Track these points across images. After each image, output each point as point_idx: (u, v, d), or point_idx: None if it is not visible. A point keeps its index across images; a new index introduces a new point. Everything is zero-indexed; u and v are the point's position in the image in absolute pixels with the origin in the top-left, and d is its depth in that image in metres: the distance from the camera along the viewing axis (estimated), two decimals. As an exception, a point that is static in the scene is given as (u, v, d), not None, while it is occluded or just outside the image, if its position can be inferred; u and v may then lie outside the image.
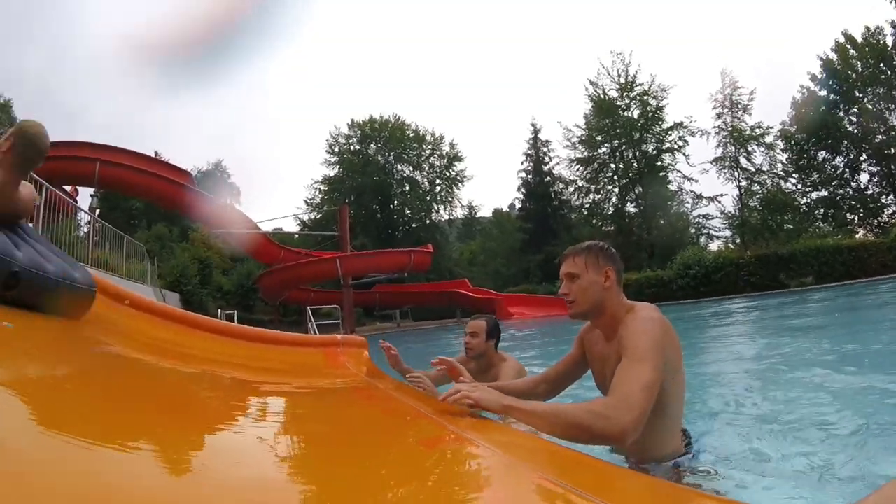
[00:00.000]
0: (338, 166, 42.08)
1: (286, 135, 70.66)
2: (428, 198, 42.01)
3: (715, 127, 33.40)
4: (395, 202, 42.10)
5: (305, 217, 40.64)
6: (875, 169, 31.70)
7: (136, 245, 17.66)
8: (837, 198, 32.23)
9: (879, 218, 31.55)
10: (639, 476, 1.70)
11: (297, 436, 1.79)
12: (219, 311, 19.47)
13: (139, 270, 16.54)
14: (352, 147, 42.56)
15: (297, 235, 37.26)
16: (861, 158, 31.95)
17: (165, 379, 2.31)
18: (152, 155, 28.07)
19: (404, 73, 73.29)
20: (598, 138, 35.74)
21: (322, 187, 42.04)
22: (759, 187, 33.11)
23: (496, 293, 28.75)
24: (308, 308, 20.30)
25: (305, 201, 42.24)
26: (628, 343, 2.05)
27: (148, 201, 26.57)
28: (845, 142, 31.87)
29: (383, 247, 32.44)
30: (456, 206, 43.60)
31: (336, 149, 42.25)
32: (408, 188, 42.39)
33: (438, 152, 42.68)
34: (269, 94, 73.58)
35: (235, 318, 17.75)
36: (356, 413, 2.23)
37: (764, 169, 33.10)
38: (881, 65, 30.58)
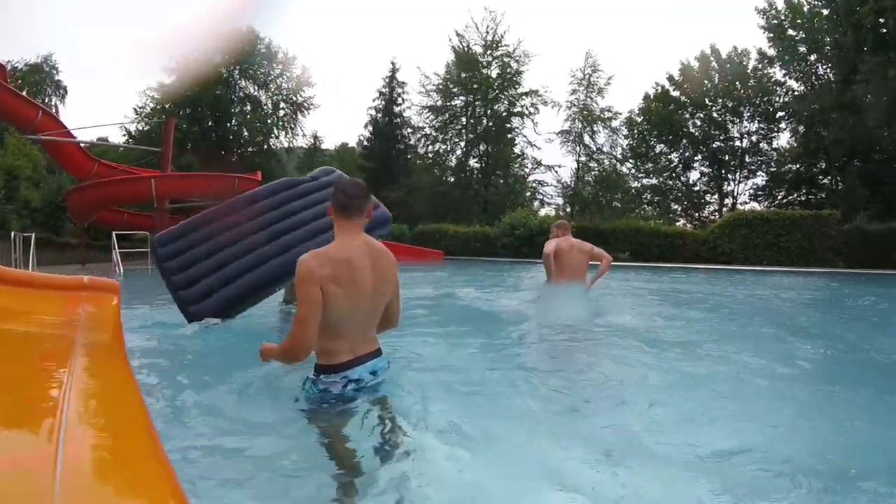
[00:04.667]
0: (176, 74, 35.25)
1: (127, 25, 58.80)
2: (269, 121, 37.78)
3: (567, 101, 33.85)
4: (233, 121, 37.06)
5: (133, 128, 35.38)
6: (707, 170, 33.59)
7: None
8: (665, 188, 34.06)
9: (701, 212, 33.83)
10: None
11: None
12: (12, 234, 15.98)
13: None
14: (195, 54, 35.19)
15: (121, 149, 32.50)
16: (695, 158, 33.57)
17: None
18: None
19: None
20: (455, 90, 34.96)
21: (155, 95, 36.04)
22: (596, 165, 34.09)
23: None
24: (113, 233, 17.64)
25: (135, 109, 36.39)
26: None
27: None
28: (685, 141, 33.30)
29: (214, 169, 28.65)
30: (298, 135, 39.84)
31: (178, 53, 35.47)
32: (249, 108, 37.58)
33: (288, 74, 38.44)
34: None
35: (33, 242, 14.84)
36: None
37: (604, 149, 34.10)
38: (737, 83, 32.21)
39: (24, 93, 32.64)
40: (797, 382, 4.50)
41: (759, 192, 32.33)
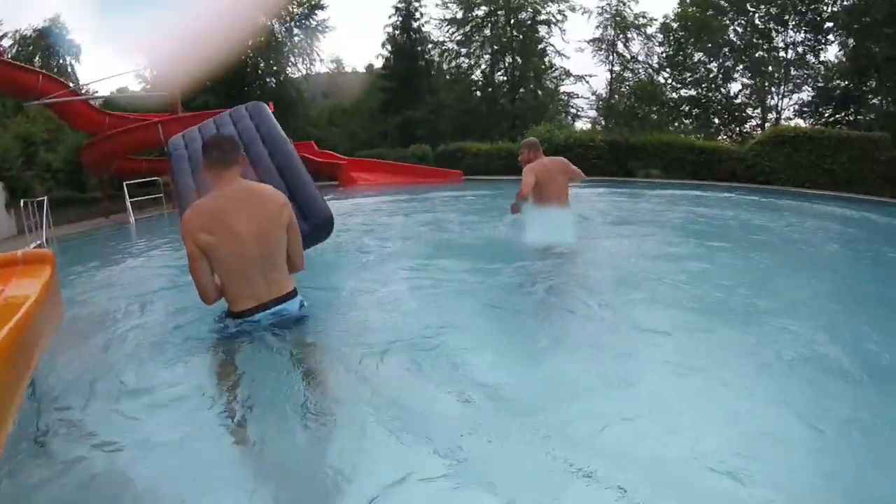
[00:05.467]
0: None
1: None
2: (285, 49, 35.14)
3: (598, 7, 31.62)
4: (249, 53, 33.80)
5: (148, 73, 33.32)
6: (749, 81, 31.11)
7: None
8: (704, 100, 31.56)
9: (742, 127, 31.43)
10: None
11: None
12: (21, 202, 15.36)
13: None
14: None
15: (145, 93, 30.83)
16: (736, 68, 31.13)
17: None
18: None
19: None
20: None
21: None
22: (631, 75, 32.14)
23: (341, 157, 25.04)
24: (125, 184, 17.52)
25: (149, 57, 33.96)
26: None
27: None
28: (725, 49, 30.73)
29: (233, 105, 27.11)
30: (315, 61, 37.42)
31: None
32: (262, 38, 34.12)
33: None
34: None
35: (46, 206, 14.18)
36: None
37: (639, 58, 32.10)
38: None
39: (36, 58, 34.76)
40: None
41: (805, 109, 29.74)
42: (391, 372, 3.07)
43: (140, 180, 19.14)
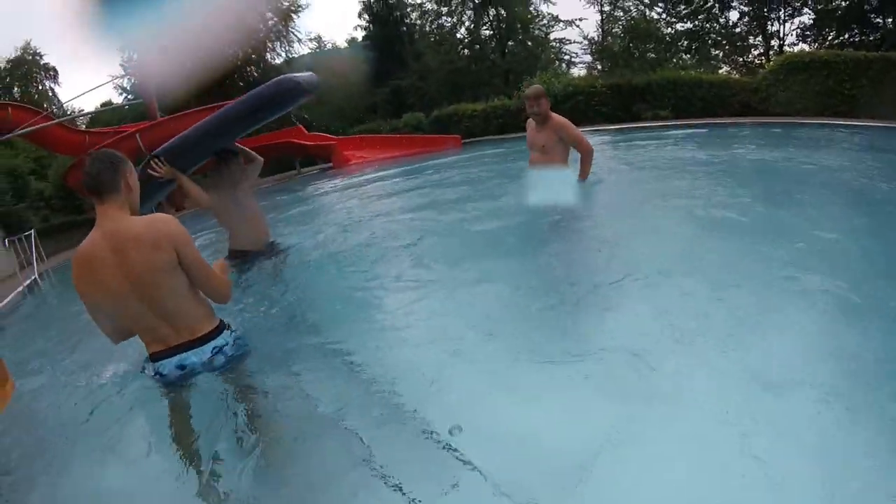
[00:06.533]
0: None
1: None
2: (261, 35, 33.09)
3: (582, -55, 30.11)
4: (226, 46, 30.74)
5: (126, 83, 32.87)
6: (746, 9, 29.23)
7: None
8: (702, 32, 29.90)
9: (745, 57, 29.94)
10: None
11: None
12: (4, 240, 14.55)
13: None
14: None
15: (126, 107, 29.90)
16: (734, -5, 29.40)
17: None
18: None
19: None
20: (449, -47, 31.38)
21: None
22: (622, 14, 30.84)
23: (331, 137, 24.40)
24: None
25: (122, 65, 32.40)
26: None
27: None
28: (720, -25, 29.05)
29: (214, 101, 26.26)
30: (294, 42, 35.53)
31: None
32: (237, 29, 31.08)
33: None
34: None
35: (34, 240, 13.51)
36: None
37: (629, -5, 30.61)
38: None
39: (15, 89, 35.54)
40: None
41: (808, 33, 28.15)
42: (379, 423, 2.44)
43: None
